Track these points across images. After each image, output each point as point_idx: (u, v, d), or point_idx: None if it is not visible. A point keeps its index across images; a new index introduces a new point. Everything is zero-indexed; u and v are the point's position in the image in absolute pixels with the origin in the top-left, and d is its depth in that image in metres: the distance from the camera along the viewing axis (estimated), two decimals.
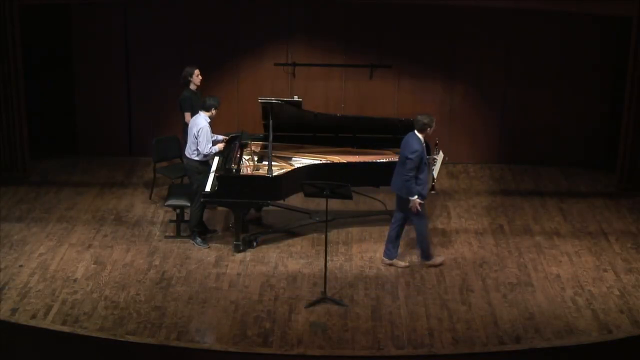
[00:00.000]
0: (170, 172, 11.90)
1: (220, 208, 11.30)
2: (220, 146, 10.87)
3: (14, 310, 9.25)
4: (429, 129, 10.01)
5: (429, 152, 10.45)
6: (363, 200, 11.88)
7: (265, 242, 10.86)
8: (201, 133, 10.56)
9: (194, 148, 10.69)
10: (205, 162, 10.82)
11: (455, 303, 9.60)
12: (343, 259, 10.52)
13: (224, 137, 11.09)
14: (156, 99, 13.30)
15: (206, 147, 10.60)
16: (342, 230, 11.23)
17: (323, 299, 9.56)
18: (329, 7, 12.89)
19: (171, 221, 11.18)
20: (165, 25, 13.07)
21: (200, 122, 10.63)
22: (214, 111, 10.70)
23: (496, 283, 10.02)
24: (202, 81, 11.54)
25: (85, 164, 13.21)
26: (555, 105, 13.14)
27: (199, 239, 10.79)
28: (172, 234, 10.97)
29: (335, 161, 11.09)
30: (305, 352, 8.70)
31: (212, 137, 10.71)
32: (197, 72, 11.43)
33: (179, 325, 9.09)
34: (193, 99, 11.33)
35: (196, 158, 10.73)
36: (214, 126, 10.78)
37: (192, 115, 10.98)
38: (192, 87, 11.49)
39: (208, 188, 10.53)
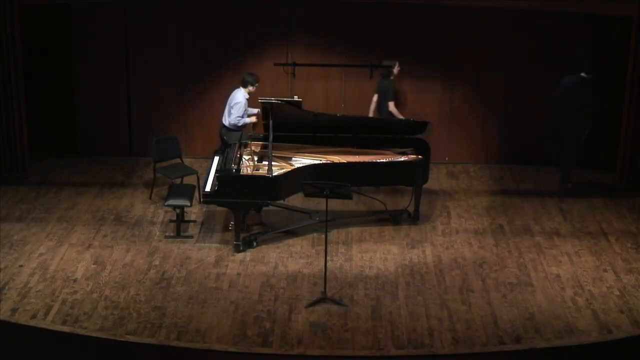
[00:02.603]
0: (170, 172, 11.90)
1: (220, 208, 11.30)
2: (253, 118, 12.05)
3: (14, 310, 9.25)
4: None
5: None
6: (363, 200, 11.88)
7: (265, 242, 10.86)
8: (236, 107, 11.80)
9: (227, 117, 11.98)
10: (238, 130, 11.87)
11: (455, 303, 9.60)
12: (343, 259, 10.52)
13: (258, 110, 11.72)
14: (156, 99, 13.30)
15: (235, 119, 11.82)
16: (342, 230, 11.23)
17: (323, 299, 9.56)
18: (329, 7, 12.89)
19: (171, 221, 11.18)
20: (165, 25, 13.07)
21: (238, 97, 11.84)
22: (250, 87, 11.86)
23: (496, 283, 10.02)
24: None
25: (85, 164, 13.21)
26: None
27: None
28: (172, 234, 10.97)
29: (336, 161, 11.09)
30: (305, 352, 8.70)
31: (247, 111, 11.95)
32: (397, 64, 12.53)
33: (179, 325, 9.09)
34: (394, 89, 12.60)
35: (228, 125, 11.93)
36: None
37: (396, 104, 12.50)
38: (392, 77, 12.59)
39: (208, 188, 10.56)
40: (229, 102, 11.96)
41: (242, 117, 11.86)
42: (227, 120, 11.94)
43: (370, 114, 12.66)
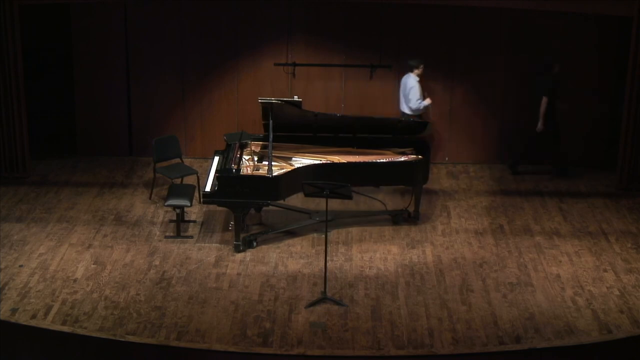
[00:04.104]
0: (170, 172, 11.90)
1: (220, 208, 11.29)
2: (428, 100, 12.49)
3: (14, 310, 9.25)
4: None
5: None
6: (363, 200, 11.88)
7: (265, 242, 10.86)
8: (412, 91, 12.30)
9: (406, 104, 12.44)
10: (419, 116, 12.41)
11: (455, 303, 9.60)
12: (343, 259, 10.52)
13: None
14: (156, 99, 13.30)
15: (415, 103, 12.30)
16: (342, 230, 11.23)
17: (323, 299, 9.56)
18: (329, 7, 12.89)
19: (171, 221, 11.18)
20: (165, 25, 13.07)
21: (412, 82, 12.37)
22: (416, 70, 12.35)
23: (496, 283, 10.02)
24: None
25: (85, 164, 13.21)
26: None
27: None
28: (172, 234, 10.97)
29: (336, 161, 11.09)
30: (305, 352, 8.70)
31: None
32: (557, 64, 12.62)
33: (179, 325, 9.10)
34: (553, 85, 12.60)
35: (408, 112, 12.41)
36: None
37: (550, 100, 12.53)
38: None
39: (208, 188, 10.56)
40: (402, 91, 12.46)
41: (420, 100, 12.30)
42: (406, 107, 12.41)
43: (542, 117, 12.56)
